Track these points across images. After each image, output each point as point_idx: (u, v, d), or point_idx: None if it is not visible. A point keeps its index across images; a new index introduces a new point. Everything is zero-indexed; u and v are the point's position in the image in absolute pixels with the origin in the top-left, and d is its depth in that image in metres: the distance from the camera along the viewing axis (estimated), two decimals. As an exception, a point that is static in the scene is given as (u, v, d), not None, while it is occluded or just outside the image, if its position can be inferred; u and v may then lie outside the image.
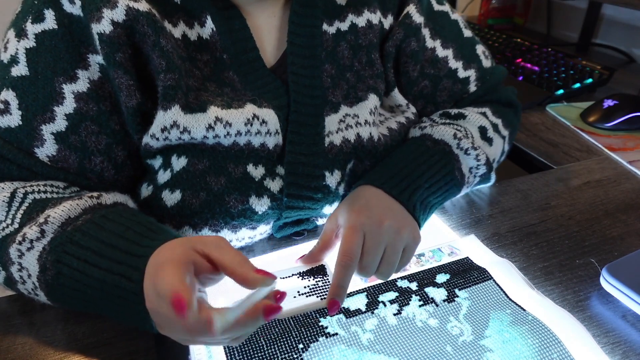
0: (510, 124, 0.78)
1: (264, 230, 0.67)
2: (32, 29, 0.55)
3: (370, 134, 0.66)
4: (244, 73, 0.62)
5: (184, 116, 0.56)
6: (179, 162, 0.59)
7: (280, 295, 0.46)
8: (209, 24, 0.61)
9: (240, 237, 0.65)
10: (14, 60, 0.56)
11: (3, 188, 0.55)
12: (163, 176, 0.60)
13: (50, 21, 0.55)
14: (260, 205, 0.62)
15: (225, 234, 0.63)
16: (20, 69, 0.55)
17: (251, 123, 0.58)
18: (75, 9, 0.55)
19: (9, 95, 0.55)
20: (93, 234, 0.50)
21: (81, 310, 0.52)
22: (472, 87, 0.78)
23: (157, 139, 0.58)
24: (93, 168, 0.58)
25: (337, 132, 0.65)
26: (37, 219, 0.52)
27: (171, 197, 0.60)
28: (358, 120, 0.66)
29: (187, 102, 0.57)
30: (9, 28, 0.58)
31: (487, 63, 0.80)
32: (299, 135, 0.62)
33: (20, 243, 0.51)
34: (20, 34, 0.56)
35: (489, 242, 0.69)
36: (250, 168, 0.61)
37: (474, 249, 0.68)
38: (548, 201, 0.79)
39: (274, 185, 0.62)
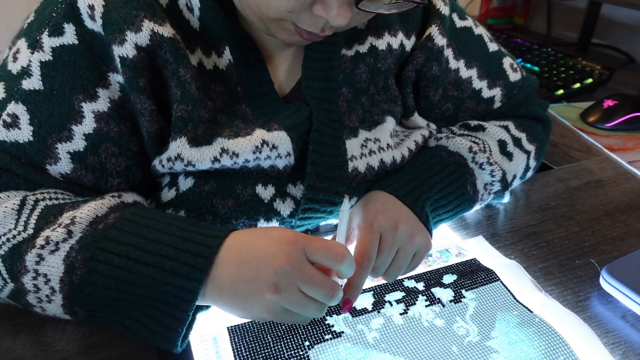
0: (537, 138, 0.75)
1: None
2: (49, 41, 0.53)
3: (393, 157, 0.65)
4: (256, 106, 0.60)
5: (189, 149, 0.55)
6: (185, 182, 0.58)
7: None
8: (227, 54, 0.59)
9: None
10: (25, 73, 0.53)
11: (9, 196, 0.53)
12: (167, 194, 0.59)
13: (70, 36, 0.53)
14: None
15: None
16: (33, 83, 0.53)
17: (260, 150, 0.57)
18: (96, 27, 0.53)
19: (18, 109, 0.53)
20: (130, 230, 0.48)
21: (95, 319, 0.50)
22: (497, 104, 0.76)
23: (163, 166, 0.57)
24: (108, 189, 0.57)
25: (360, 158, 0.63)
26: (60, 221, 0.50)
27: None
28: (380, 145, 0.65)
29: (195, 136, 0.56)
30: (18, 37, 0.56)
31: (515, 77, 0.77)
32: (321, 156, 0.60)
33: (42, 247, 0.48)
34: (35, 45, 0.53)
35: (489, 242, 0.70)
36: (259, 189, 0.59)
37: (482, 250, 0.68)
38: (548, 201, 0.79)
39: (284, 207, 0.60)
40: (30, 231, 0.50)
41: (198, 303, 0.48)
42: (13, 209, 0.51)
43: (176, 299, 0.47)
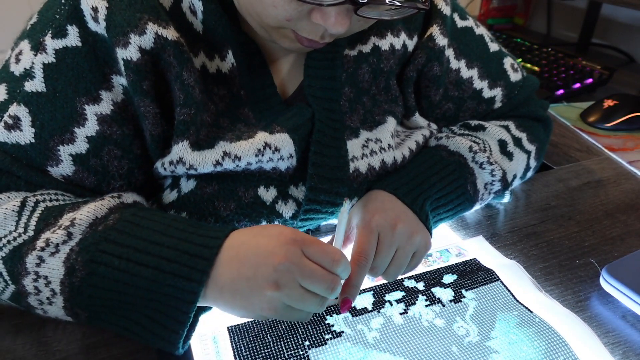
0: (537, 138, 0.75)
1: None
2: (52, 43, 0.53)
3: (394, 157, 0.65)
4: (259, 109, 0.61)
5: (191, 153, 0.55)
6: (187, 184, 0.58)
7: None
8: (230, 58, 0.58)
9: None
10: (28, 75, 0.53)
11: (10, 197, 0.53)
12: (169, 196, 0.59)
13: (73, 38, 0.53)
14: None
15: None
16: (35, 85, 0.53)
17: (262, 153, 0.57)
18: (100, 29, 0.52)
19: (20, 110, 0.53)
20: (130, 232, 0.48)
21: (97, 321, 0.50)
22: (498, 104, 0.76)
23: (165, 169, 0.57)
24: (110, 191, 0.57)
25: (362, 158, 0.63)
26: (60, 223, 0.50)
27: None
28: (382, 145, 0.65)
29: (197, 139, 0.56)
30: (21, 38, 0.55)
31: (515, 77, 0.77)
32: (323, 157, 0.60)
33: (42, 249, 0.48)
34: (38, 47, 0.53)
35: (489, 242, 0.70)
36: (261, 191, 0.59)
37: (482, 250, 0.68)
38: (548, 201, 0.79)
39: (286, 209, 0.60)
40: (30, 233, 0.50)
41: (199, 304, 0.48)
42: (13, 210, 0.51)
43: (177, 301, 0.47)
